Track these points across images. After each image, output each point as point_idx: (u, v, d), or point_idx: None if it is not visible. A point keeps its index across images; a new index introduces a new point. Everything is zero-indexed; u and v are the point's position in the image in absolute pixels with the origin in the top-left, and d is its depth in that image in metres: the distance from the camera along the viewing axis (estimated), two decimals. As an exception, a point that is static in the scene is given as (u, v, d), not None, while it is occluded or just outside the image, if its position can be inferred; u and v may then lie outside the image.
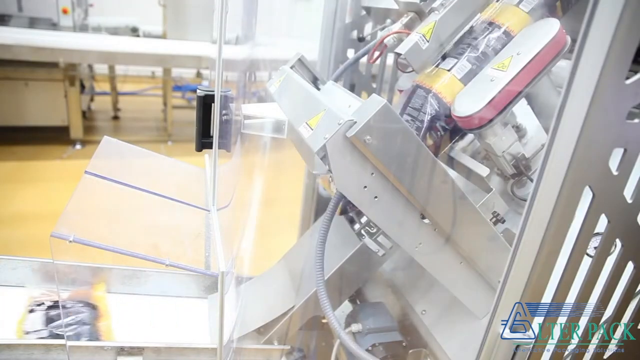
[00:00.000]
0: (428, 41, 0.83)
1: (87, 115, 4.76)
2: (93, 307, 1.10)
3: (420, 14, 0.93)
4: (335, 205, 0.79)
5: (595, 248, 0.62)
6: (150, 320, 1.13)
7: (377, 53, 1.03)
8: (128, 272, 1.19)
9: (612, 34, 0.46)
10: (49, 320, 1.05)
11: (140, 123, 5.27)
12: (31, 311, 1.06)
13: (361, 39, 1.38)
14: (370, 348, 0.97)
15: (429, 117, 0.81)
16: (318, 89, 1.08)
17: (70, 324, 1.03)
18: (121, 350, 0.97)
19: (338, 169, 0.69)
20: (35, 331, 1.02)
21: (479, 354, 0.65)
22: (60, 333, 0.99)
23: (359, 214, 0.96)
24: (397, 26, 0.96)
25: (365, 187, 0.71)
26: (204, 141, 0.97)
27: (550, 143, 0.52)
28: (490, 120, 0.76)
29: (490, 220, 0.84)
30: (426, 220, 0.77)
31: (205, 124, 0.96)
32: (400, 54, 0.84)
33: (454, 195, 0.74)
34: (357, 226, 0.97)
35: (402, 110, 0.85)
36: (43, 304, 1.09)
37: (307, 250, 1.16)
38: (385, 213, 0.74)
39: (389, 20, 1.11)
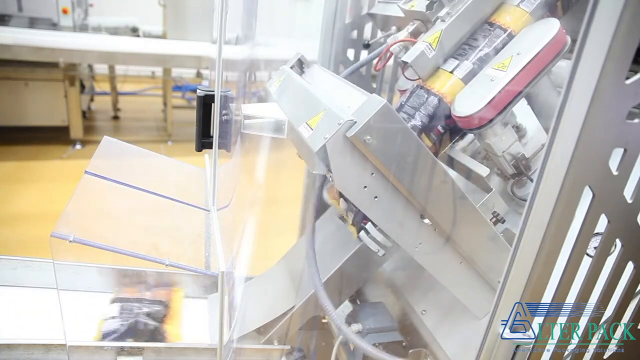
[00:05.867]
0: (434, 50, 0.83)
1: (87, 115, 4.76)
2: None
3: (425, 22, 0.93)
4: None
5: (595, 248, 0.62)
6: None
7: (382, 61, 1.03)
8: (128, 272, 1.19)
9: (612, 34, 0.46)
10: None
11: (140, 123, 5.27)
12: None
13: (366, 46, 1.38)
14: (370, 348, 0.97)
15: (428, 115, 0.81)
16: (303, 72, 1.08)
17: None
18: (121, 350, 0.97)
19: (338, 169, 0.69)
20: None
21: (479, 354, 0.65)
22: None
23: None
24: (403, 34, 0.96)
25: (365, 187, 0.71)
26: (204, 141, 0.97)
27: (550, 143, 0.52)
28: (490, 120, 0.76)
29: (490, 220, 0.84)
30: (426, 220, 0.77)
31: (205, 124, 0.95)
32: (407, 62, 0.84)
33: (454, 195, 0.74)
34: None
35: (399, 108, 0.85)
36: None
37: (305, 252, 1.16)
38: (385, 213, 0.74)
39: (394, 28, 1.11)
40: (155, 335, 1.05)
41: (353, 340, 0.90)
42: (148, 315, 1.09)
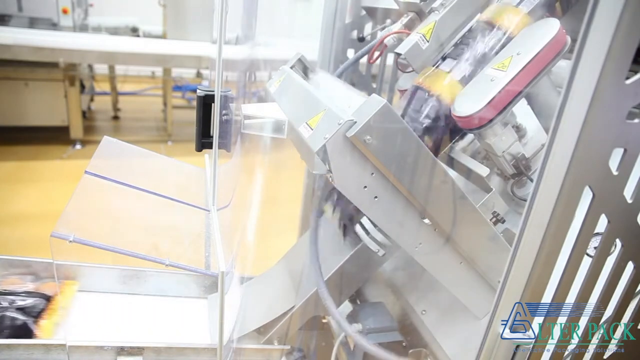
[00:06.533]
0: (428, 41, 0.83)
1: (87, 115, 4.77)
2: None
3: (420, 14, 0.93)
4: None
5: (595, 248, 0.62)
6: (150, 320, 1.13)
7: (377, 53, 1.03)
8: (128, 272, 1.19)
9: (612, 34, 0.46)
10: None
11: (140, 123, 5.27)
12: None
13: (361, 39, 1.38)
14: (370, 348, 0.97)
15: (430, 119, 0.81)
16: (308, 77, 1.08)
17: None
18: (121, 350, 0.97)
19: (338, 169, 0.69)
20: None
21: (479, 354, 0.65)
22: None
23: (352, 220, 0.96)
24: (397, 26, 0.96)
25: (365, 187, 0.71)
26: (204, 141, 0.97)
27: (550, 143, 0.52)
28: (490, 120, 0.76)
29: (490, 220, 0.84)
30: (426, 220, 0.77)
31: (205, 124, 0.96)
32: (401, 54, 0.84)
33: (454, 195, 0.74)
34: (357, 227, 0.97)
35: (403, 112, 0.85)
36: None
37: (307, 250, 1.16)
38: (385, 213, 0.74)
39: (389, 20, 1.11)
40: (21, 331, 0.98)
41: (353, 336, 0.89)
42: (20, 309, 1.01)
